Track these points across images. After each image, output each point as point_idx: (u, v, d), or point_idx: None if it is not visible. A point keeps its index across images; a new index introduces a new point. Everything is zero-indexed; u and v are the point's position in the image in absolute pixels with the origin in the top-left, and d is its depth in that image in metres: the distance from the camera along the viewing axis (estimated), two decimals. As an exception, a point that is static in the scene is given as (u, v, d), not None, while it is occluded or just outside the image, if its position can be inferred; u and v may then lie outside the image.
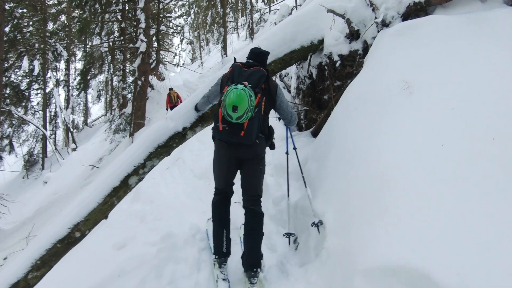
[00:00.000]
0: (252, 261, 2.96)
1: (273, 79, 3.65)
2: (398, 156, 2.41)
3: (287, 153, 3.54)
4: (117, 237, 4.14)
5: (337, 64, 4.37)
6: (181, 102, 14.20)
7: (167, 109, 14.54)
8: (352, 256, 2.08)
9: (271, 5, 22.73)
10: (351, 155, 2.92)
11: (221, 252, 3.09)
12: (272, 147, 3.26)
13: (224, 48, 18.65)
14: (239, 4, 28.19)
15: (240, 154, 3.02)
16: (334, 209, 2.68)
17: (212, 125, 3.04)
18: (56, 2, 20.66)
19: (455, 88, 2.76)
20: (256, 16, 23.00)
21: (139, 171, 3.43)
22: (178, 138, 3.65)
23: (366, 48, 4.15)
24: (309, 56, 4.77)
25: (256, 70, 2.96)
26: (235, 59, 3.25)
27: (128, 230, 4.31)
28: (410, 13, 3.85)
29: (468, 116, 2.47)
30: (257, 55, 3.19)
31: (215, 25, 26.16)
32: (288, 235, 3.31)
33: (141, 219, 4.59)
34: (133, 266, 3.46)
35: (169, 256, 3.38)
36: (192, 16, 30.51)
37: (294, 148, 3.48)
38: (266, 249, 3.62)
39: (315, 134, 5.02)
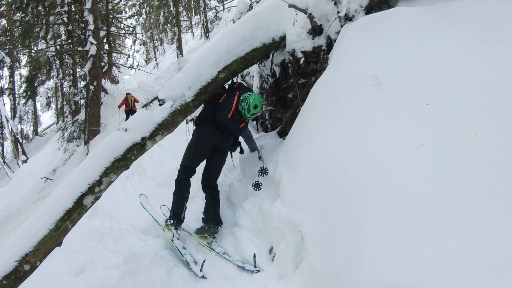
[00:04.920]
0: (216, 221, 3.88)
1: (235, 79, 4.24)
2: (378, 160, 2.25)
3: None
4: (74, 261, 3.75)
5: (301, 61, 4.19)
6: (137, 101, 13.75)
7: (119, 107, 13.99)
8: (342, 278, 1.88)
9: (225, 2, 22.43)
10: (324, 159, 2.74)
11: (179, 219, 3.91)
12: (242, 152, 4.39)
13: (180, 47, 18.13)
14: (192, 3, 27.62)
15: (218, 142, 3.94)
16: (313, 219, 2.49)
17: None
18: (-6, 5, 19.25)
19: (427, 82, 2.65)
20: (210, 14, 22.61)
21: (94, 190, 3.08)
22: (136, 149, 3.33)
23: (330, 43, 4.01)
24: (271, 54, 4.56)
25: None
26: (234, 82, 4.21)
27: (87, 252, 3.92)
28: (373, 6, 3.73)
29: (445, 112, 2.35)
30: None
31: (169, 25, 25.49)
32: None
33: (100, 238, 4.21)
34: (94, 295, 3.13)
35: (134, 281, 3.08)
36: (144, 16, 29.53)
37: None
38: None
39: (281, 134, 4.85)
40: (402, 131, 2.39)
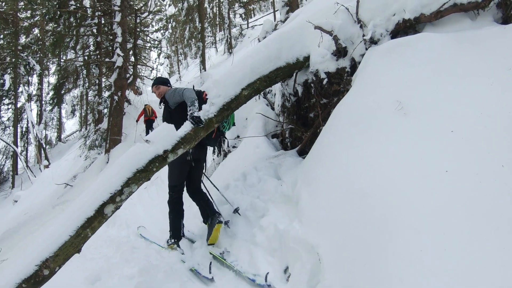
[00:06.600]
0: (214, 212, 4.05)
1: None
2: (400, 185, 2.23)
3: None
4: (90, 269, 3.80)
5: (324, 81, 4.21)
6: (155, 116, 14.10)
7: (137, 121, 14.57)
8: (360, 304, 1.86)
9: (250, 20, 22.81)
10: (345, 181, 2.73)
11: (179, 237, 4.17)
12: None
13: (203, 62, 18.41)
14: (217, 19, 28.17)
15: (197, 157, 4.15)
16: (331, 241, 2.47)
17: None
18: (28, 16, 20.10)
19: (452, 109, 2.63)
20: (234, 31, 22.99)
21: (116, 199, 3.13)
22: (158, 161, 3.38)
23: (354, 65, 4.02)
24: (294, 74, 4.61)
25: None
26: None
27: (103, 261, 3.97)
28: (399, 31, 3.75)
29: (470, 140, 2.33)
30: None
31: (193, 40, 25.98)
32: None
33: (117, 247, 4.26)
34: (109, 304, 3.15)
35: (149, 293, 3.09)
36: (170, 30, 30.27)
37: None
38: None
39: (301, 153, 4.85)
40: (426, 157, 2.36)
